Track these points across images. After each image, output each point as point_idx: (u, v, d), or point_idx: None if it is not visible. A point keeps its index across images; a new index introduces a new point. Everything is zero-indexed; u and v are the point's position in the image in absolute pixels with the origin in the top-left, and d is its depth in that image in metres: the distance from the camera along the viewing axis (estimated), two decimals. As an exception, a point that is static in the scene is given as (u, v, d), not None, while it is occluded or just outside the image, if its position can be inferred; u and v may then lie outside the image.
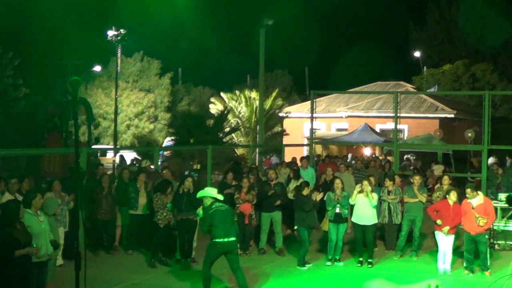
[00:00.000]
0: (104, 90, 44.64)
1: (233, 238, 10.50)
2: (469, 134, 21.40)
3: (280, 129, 37.85)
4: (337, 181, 13.49)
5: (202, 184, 15.38)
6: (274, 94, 39.05)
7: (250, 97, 37.27)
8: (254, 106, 36.15)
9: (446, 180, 14.46)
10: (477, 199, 12.41)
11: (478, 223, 12.18)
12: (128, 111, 44.07)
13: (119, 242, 14.18)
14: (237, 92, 38.98)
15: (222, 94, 39.82)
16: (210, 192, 10.86)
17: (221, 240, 10.39)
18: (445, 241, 12.56)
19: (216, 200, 10.70)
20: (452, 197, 12.63)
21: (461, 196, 13.15)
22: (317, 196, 13.32)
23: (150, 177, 14.90)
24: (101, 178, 13.93)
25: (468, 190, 12.49)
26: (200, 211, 11.04)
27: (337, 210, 13.19)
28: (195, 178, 14.33)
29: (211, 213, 10.50)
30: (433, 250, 13.70)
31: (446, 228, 12.43)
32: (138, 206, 13.79)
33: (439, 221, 12.47)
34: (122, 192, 13.91)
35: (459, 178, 21.27)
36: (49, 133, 20.68)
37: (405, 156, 26.44)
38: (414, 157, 25.71)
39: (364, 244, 13.29)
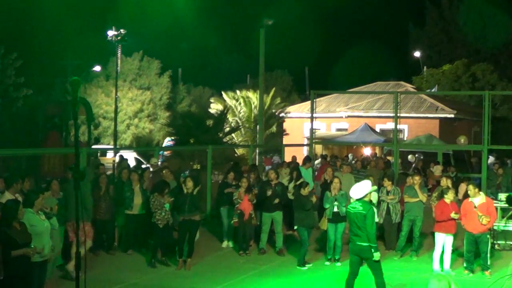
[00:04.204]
0: (102, 89, 44.63)
1: (360, 242, 10.08)
2: (462, 141, 21.36)
3: (278, 129, 37.79)
4: (335, 180, 13.61)
5: (202, 184, 15.39)
6: (272, 93, 39.01)
7: (249, 97, 37.24)
8: (253, 105, 36.14)
9: (444, 181, 14.48)
10: (479, 199, 12.44)
11: (481, 222, 12.17)
12: (127, 110, 44.06)
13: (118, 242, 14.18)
14: (238, 92, 38.93)
15: (223, 93, 39.80)
16: (353, 191, 10.46)
17: (350, 241, 10.27)
18: (444, 242, 12.53)
19: (357, 199, 10.31)
20: (450, 196, 12.65)
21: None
22: (313, 198, 13.36)
23: (153, 176, 14.89)
24: (98, 178, 13.92)
25: (471, 187, 12.52)
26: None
27: (335, 208, 13.23)
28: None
29: (346, 211, 10.49)
30: (433, 250, 13.68)
31: (455, 215, 12.42)
32: (134, 206, 13.77)
33: (453, 214, 12.40)
34: (119, 192, 13.89)
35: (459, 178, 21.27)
36: (48, 133, 20.66)
37: (415, 156, 26.46)
38: (421, 157, 25.77)
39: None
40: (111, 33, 33.62)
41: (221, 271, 12.52)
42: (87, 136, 24.98)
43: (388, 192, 14.28)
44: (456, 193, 13.90)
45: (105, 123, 43.84)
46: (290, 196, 14.81)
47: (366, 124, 30.84)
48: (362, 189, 10.33)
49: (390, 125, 23.91)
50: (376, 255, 10.13)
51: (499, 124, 35.91)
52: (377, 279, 10.19)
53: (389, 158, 24.38)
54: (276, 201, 14.12)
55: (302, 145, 30.50)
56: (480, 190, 13.07)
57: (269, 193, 14.02)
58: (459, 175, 21.11)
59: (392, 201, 14.21)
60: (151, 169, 16.54)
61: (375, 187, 11.22)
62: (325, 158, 24.44)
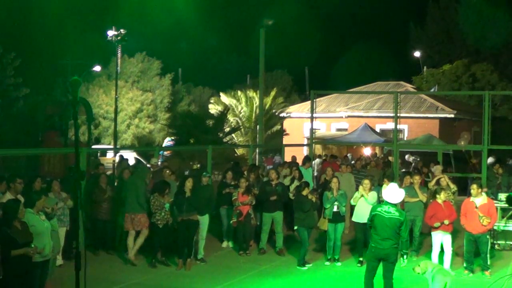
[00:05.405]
0: (103, 89, 44.64)
1: (388, 246, 10.04)
2: (462, 143, 21.37)
3: (280, 127, 37.81)
4: (334, 180, 13.61)
5: (200, 184, 15.35)
6: (273, 93, 39.02)
7: (250, 97, 37.24)
8: (254, 105, 36.13)
9: (444, 180, 14.47)
10: (480, 199, 12.43)
11: (482, 222, 12.16)
12: (128, 110, 44.06)
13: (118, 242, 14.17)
14: (239, 92, 38.91)
15: (221, 94, 39.83)
16: (385, 193, 10.45)
17: (374, 245, 10.16)
18: (442, 241, 12.49)
19: (386, 203, 10.26)
20: (442, 196, 12.60)
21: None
22: (313, 197, 13.37)
23: (153, 177, 14.87)
24: (98, 178, 13.89)
25: (474, 186, 12.49)
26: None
27: (335, 208, 13.24)
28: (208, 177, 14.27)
29: (373, 214, 10.29)
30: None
31: (439, 223, 12.31)
32: None
33: (436, 224, 12.34)
34: (120, 192, 13.86)
35: (458, 178, 21.28)
36: (47, 133, 20.69)
37: (412, 158, 26.41)
38: (418, 159, 25.71)
39: (365, 243, 13.28)
40: (111, 33, 33.62)
41: (221, 271, 12.52)
42: (87, 136, 25.00)
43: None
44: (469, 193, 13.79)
45: (105, 123, 43.83)
46: (292, 196, 14.81)
47: (366, 124, 30.83)
48: (400, 194, 10.40)
49: (390, 125, 23.90)
50: (404, 261, 10.70)
51: (499, 124, 35.89)
52: (387, 284, 10.25)
53: (389, 158, 24.35)
54: (274, 197, 14.07)
55: (302, 145, 30.48)
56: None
57: (273, 198, 14.02)
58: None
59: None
60: (151, 169, 16.52)
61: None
62: (324, 157, 24.30)
